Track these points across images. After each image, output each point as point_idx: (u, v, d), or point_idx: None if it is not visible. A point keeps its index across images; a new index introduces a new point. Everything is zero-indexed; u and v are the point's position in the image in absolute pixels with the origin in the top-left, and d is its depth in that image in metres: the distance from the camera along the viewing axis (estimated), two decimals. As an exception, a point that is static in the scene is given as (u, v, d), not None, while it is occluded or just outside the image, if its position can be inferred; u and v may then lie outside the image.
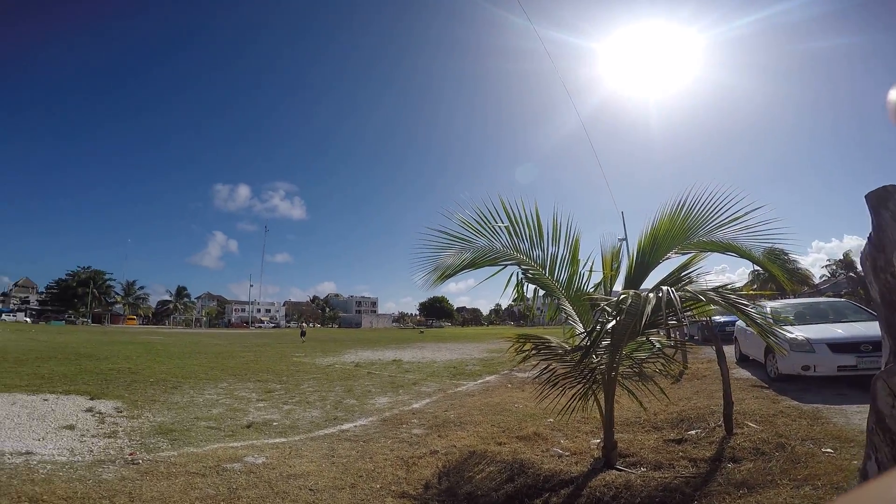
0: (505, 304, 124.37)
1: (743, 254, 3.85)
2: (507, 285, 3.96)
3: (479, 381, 10.09)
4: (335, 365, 14.06)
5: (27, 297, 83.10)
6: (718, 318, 12.72)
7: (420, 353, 18.80)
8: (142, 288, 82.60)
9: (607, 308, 3.25)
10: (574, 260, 4.12)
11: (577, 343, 4.07)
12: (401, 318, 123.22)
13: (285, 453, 4.70)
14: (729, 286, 3.48)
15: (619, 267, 4.25)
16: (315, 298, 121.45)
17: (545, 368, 4.16)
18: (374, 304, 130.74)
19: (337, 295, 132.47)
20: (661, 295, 2.77)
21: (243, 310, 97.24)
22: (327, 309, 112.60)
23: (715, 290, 3.24)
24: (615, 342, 3.43)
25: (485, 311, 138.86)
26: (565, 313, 4.23)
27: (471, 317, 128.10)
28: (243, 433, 5.61)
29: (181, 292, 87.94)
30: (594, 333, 3.18)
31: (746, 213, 3.57)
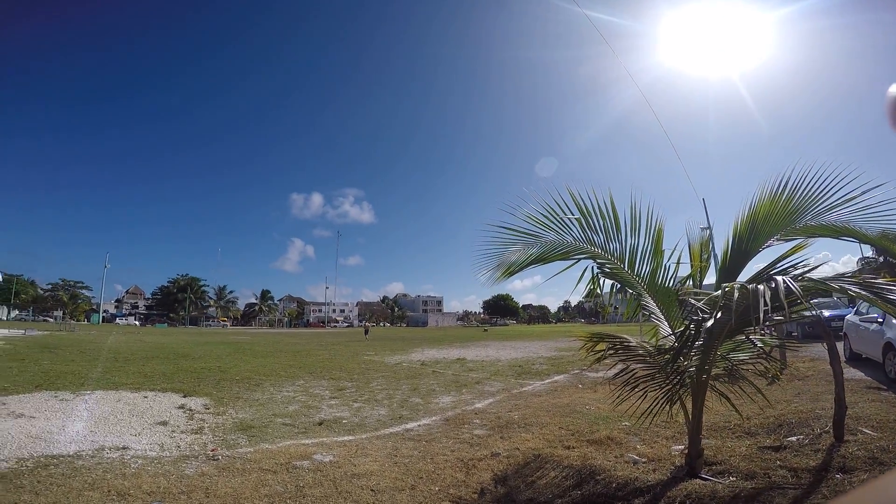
0: (575, 300, 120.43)
1: (864, 238, 3.26)
2: (579, 281, 3.71)
3: (547, 381, 9.70)
4: (402, 363, 14.31)
5: (136, 302, 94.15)
6: (826, 312, 11.43)
7: (484, 352, 18.61)
8: (231, 292, 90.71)
9: (702, 306, 2.87)
10: (657, 252, 3.73)
11: (661, 343, 3.71)
12: (465, 317, 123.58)
13: (352, 452, 4.77)
14: (850, 274, 3.01)
15: (708, 258, 3.87)
16: (384, 298, 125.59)
17: (623, 370, 3.83)
18: (440, 302, 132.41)
19: (404, 294, 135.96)
20: (775, 286, 2.40)
21: (320, 310, 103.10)
22: (395, 308, 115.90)
23: (849, 277, 2.80)
24: (710, 342, 3.02)
25: (552, 308, 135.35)
26: (647, 310, 3.86)
27: (537, 314, 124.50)
28: (315, 430, 5.78)
29: (265, 295, 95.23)
30: (686, 335, 2.86)
31: (864, 193, 3.04)
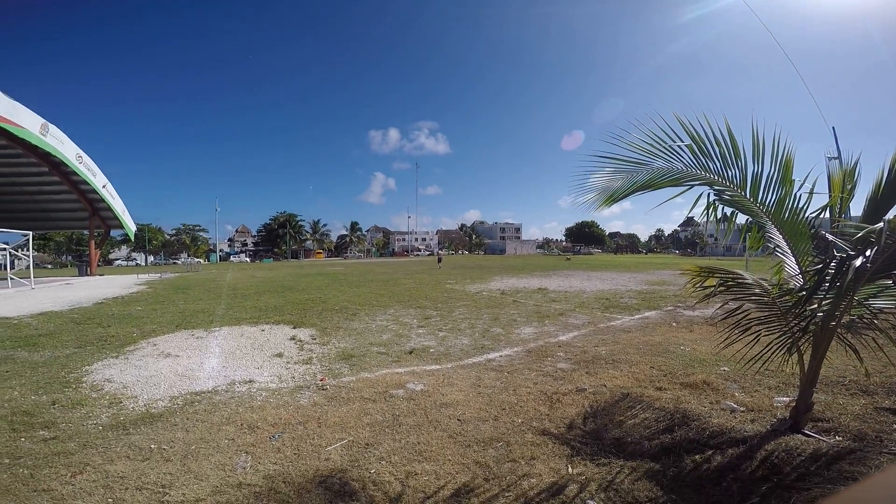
0: (669, 229, 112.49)
1: None
2: (692, 207, 3.45)
3: (637, 317, 9.34)
4: (482, 292, 14.65)
5: (245, 240, 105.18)
6: None
7: (567, 282, 18.31)
8: (325, 226, 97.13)
9: (846, 242, 2.53)
10: (785, 180, 3.26)
11: (784, 282, 3.36)
12: (545, 244, 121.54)
13: (439, 381, 5.01)
14: None
15: (852, 189, 3.34)
16: (462, 226, 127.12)
17: (734, 310, 3.55)
18: (518, 230, 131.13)
19: (482, 222, 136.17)
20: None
21: (403, 239, 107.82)
22: (473, 236, 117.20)
23: None
24: (849, 285, 2.66)
25: (642, 238, 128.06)
26: (772, 243, 3.48)
27: (625, 243, 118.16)
28: (406, 359, 6.13)
29: (354, 227, 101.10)
30: (824, 274, 2.55)
31: None
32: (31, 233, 22.51)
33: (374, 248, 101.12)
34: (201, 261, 67.89)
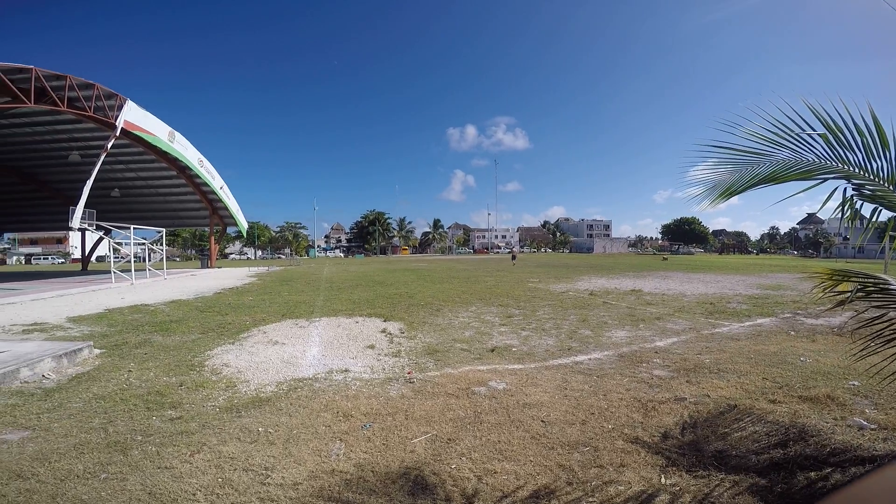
0: (786, 227, 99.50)
1: None
2: (825, 203, 3.04)
3: (748, 324, 8.41)
4: (568, 292, 14.16)
5: (339, 237, 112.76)
6: None
7: (664, 284, 17.01)
8: (410, 223, 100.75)
9: None
10: None
11: None
12: (638, 243, 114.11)
13: (522, 381, 4.95)
14: None
15: None
16: (545, 223, 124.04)
17: (875, 318, 3.13)
18: (608, 227, 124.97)
19: (566, 219, 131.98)
20: None
21: (483, 237, 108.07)
22: (557, 233, 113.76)
23: None
24: None
25: (753, 236, 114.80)
26: None
27: (733, 242, 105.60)
28: (488, 357, 6.14)
29: (437, 224, 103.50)
30: None
31: None
32: (163, 230, 26.17)
33: (455, 245, 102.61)
34: (299, 256, 74.13)
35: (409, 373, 5.40)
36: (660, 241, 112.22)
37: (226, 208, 32.52)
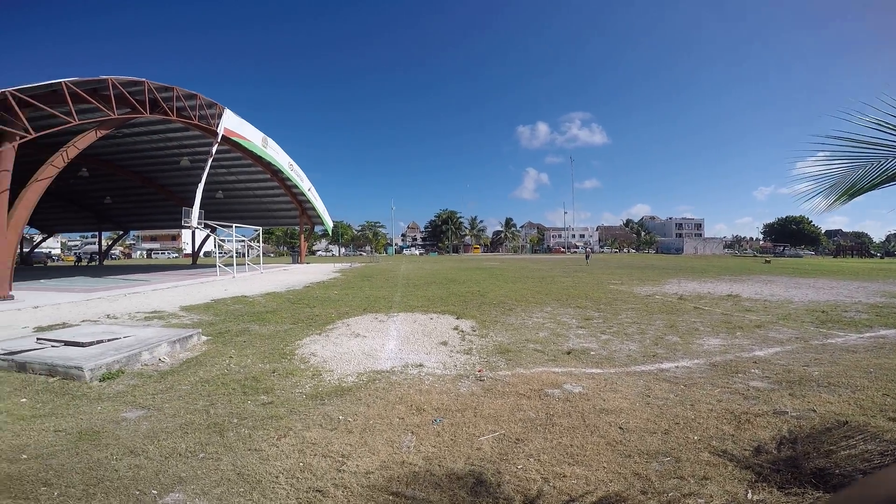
0: None
1: None
2: None
3: (868, 335, 7.32)
4: (654, 295, 13.26)
5: (415, 235, 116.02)
6: None
7: (766, 289, 15.25)
8: (481, 222, 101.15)
9: None
10: None
11: None
12: (735, 243, 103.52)
13: (600, 385, 4.75)
14: None
15: None
16: (628, 222, 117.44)
17: None
18: (699, 226, 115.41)
19: (652, 217, 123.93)
20: None
21: (559, 236, 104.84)
22: (641, 233, 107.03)
23: None
24: None
25: (875, 237, 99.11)
26: None
27: (851, 244, 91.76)
28: (564, 359, 5.94)
29: (509, 223, 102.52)
30: None
31: None
32: (260, 228, 28.73)
33: (528, 245, 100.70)
34: (378, 254, 77.57)
35: (479, 371, 5.41)
36: (761, 242, 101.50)
37: (313, 208, 34.89)
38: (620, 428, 3.65)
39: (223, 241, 26.34)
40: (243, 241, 28.51)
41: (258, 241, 29.52)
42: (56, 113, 13.34)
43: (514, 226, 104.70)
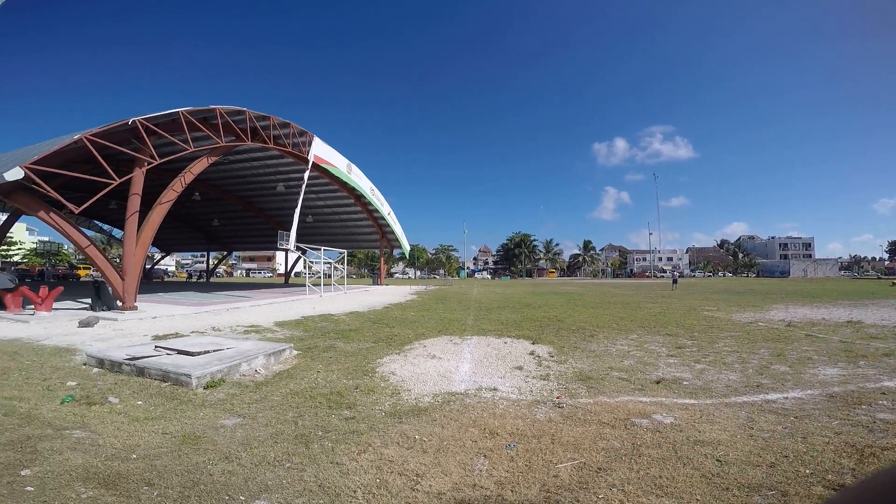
0: None
1: None
2: None
3: None
4: (757, 322, 11.94)
5: (486, 259, 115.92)
6: None
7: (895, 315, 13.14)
8: (557, 245, 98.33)
9: None
10: None
11: None
12: (854, 265, 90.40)
13: (695, 416, 4.41)
14: None
15: None
16: (723, 242, 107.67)
17: None
18: (808, 245, 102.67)
19: (751, 237, 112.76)
20: None
21: (644, 259, 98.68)
22: (739, 254, 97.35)
23: None
24: None
25: None
26: None
27: None
28: (652, 388, 5.61)
29: (587, 246, 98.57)
30: None
31: None
32: (345, 251, 30.48)
33: (608, 268, 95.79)
34: (451, 277, 78.49)
35: (558, 397, 5.22)
36: (886, 263, 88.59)
37: (392, 232, 36.41)
38: (718, 460, 3.37)
39: (312, 262, 28.27)
40: (329, 262, 30.42)
41: (343, 264, 31.35)
42: (175, 140, 15.18)
43: (594, 248, 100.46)
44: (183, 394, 5.30)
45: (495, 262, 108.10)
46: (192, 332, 9.84)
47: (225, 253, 51.80)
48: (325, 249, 27.05)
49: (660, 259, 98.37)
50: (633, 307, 17.31)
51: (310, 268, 28.20)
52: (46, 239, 78.97)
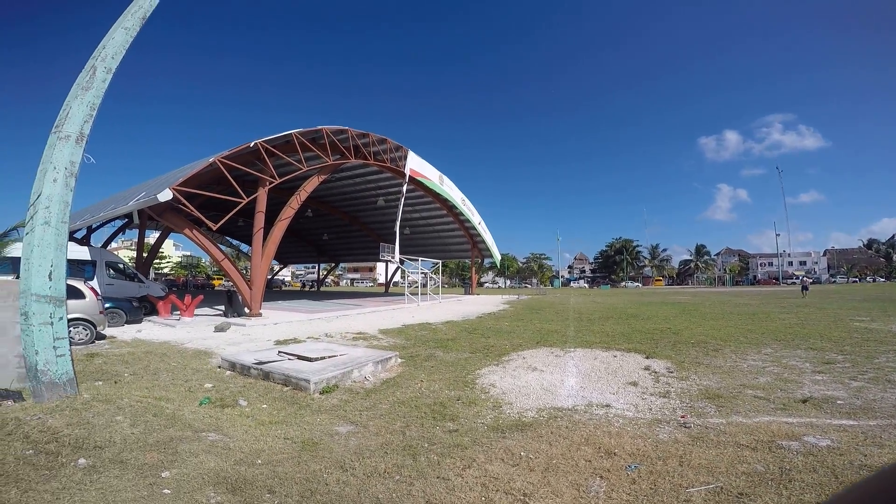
0: None
1: None
2: None
3: None
4: (933, 338, 9.81)
5: (583, 267, 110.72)
6: None
7: None
8: (664, 250, 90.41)
9: None
10: None
11: None
12: None
13: (857, 439, 3.87)
14: None
15: None
16: (871, 242, 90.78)
17: None
18: None
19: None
20: None
21: (770, 263, 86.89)
22: (894, 256, 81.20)
23: None
24: None
25: None
26: None
27: None
28: (797, 408, 4.94)
29: (700, 250, 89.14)
30: None
31: None
32: (439, 261, 31.24)
33: (727, 275, 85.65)
34: (544, 286, 76.29)
35: (682, 416, 4.75)
36: None
37: (483, 241, 36.54)
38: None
39: (409, 272, 29.45)
40: (424, 273, 31.40)
41: (438, 273, 32.16)
42: (290, 160, 16.70)
43: (708, 253, 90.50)
44: (302, 398, 5.69)
45: (593, 271, 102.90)
46: (308, 338, 10.70)
47: (333, 264, 56.01)
48: (422, 260, 27.97)
49: (790, 263, 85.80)
50: (761, 318, 15.25)
51: (406, 277, 29.31)
52: (188, 253, 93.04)
